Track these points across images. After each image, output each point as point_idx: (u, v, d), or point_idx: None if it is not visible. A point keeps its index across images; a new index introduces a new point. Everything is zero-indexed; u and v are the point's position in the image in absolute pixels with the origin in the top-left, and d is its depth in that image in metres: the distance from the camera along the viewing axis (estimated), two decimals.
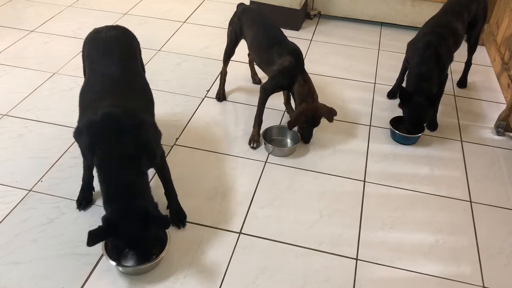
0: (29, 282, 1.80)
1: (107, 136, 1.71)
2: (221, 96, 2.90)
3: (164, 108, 2.79)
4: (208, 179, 2.32)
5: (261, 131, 2.57)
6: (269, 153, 2.51)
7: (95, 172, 1.84)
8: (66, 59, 3.23)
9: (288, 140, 2.62)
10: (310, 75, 2.45)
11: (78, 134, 1.79)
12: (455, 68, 3.25)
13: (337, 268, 1.92)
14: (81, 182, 2.12)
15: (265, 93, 2.48)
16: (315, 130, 2.51)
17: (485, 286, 1.90)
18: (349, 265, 1.94)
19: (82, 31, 3.43)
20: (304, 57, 2.51)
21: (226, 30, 2.79)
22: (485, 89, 3.19)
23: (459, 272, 1.94)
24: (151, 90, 2.09)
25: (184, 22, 3.85)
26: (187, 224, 2.07)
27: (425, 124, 2.66)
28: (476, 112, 2.95)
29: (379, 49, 3.60)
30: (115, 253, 1.87)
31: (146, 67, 2.36)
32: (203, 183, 2.30)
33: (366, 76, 3.25)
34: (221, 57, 2.84)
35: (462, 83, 3.19)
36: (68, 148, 2.44)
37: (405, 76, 2.81)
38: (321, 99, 2.45)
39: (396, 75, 2.99)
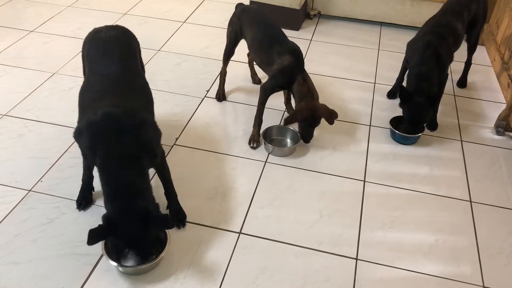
0: (29, 282, 1.80)
1: (107, 136, 1.71)
2: (221, 96, 2.90)
3: (164, 108, 2.79)
4: (208, 179, 2.32)
5: (261, 131, 2.57)
6: (269, 153, 2.51)
7: (95, 172, 1.85)
8: (65, 59, 3.23)
9: (288, 140, 2.62)
10: (310, 75, 2.45)
11: (78, 134, 1.79)
12: (455, 68, 3.25)
13: (337, 268, 1.92)
14: (80, 182, 2.12)
15: (265, 93, 2.48)
16: (315, 130, 2.51)
17: (485, 286, 1.90)
18: (349, 265, 1.94)
19: (82, 31, 3.43)
20: (304, 57, 2.51)
21: (226, 30, 2.79)
22: (485, 88, 3.19)
23: (459, 272, 1.94)
24: (151, 90, 2.08)
25: (184, 22, 3.85)
26: (187, 224, 2.07)
27: (425, 124, 2.66)
28: (476, 112, 2.95)
29: (379, 49, 3.60)
30: (115, 253, 1.87)
31: (146, 67, 2.36)
32: (203, 183, 2.30)
33: (366, 76, 3.25)
34: (221, 57, 2.84)
35: (462, 83, 3.19)
36: (68, 148, 2.44)
37: (405, 76, 2.81)
38: (321, 99, 2.45)
39: (396, 75, 2.99)
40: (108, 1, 4.09)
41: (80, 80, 2.11)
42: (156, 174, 2.04)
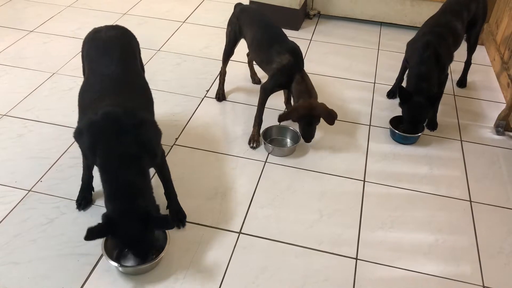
0: (29, 282, 1.80)
1: (107, 136, 1.71)
2: (220, 96, 2.90)
3: (164, 108, 2.79)
4: (208, 179, 2.32)
5: (261, 131, 2.57)
6: (269, 153, 2.51)
7: (94, 172, 1.84)
8: (65, 59, 3.23)
9: (288, 140, 2.62)
10: (309, 75, 2.45)
11: (79, 135, 1.79)
12: (455, 67, 3.25)
13: (337, 268, 1.92)
14: (80, 182, 2.11)
15: (265, 92, 2.48)
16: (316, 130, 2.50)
17: (485, 285, 1.90)
18: (349, 265, 1.94)
19: (82, 31, 3.43)
20: (303, 57, 2.51)
21: (225, 30, 2.78)
22: (485, 88, 3.19)
23: (459, 271, 1.94)
24: (151, 90, 2.08)
25: (183, 22, 3.85)
26: (187, 224, 2.06)
27: (425, 124, 2.66)
28: (476, 111, 2.95)
29: (378, 49, 3.60)
30: (115, 253, 1.87)
31: (145, 67, 2.36)
32: (203, 183, 2.30)
33: (365, 76, 3.25)
34: (221, 57, 2.84)
35: (462, 82, 3.19)
36: (68, 148, 2.44)
37: (404, 76, 2.81)
38: (320, 99, 2.45)
39: (395, 74, 2.99)
40: (108, 1, 4.09)
41: (80, 80, 2.11)
42: (156, 174, 2.04)
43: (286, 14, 3.67)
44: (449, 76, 2.94)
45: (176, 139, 2.57)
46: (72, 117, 2.61)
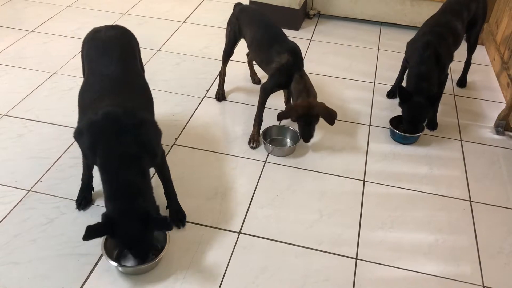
0: (29, 282, 1.80)
1: (107, 136, 1.71)
2: (220, 96, 2.90)
3: (164, 108, 2.79)
4: (208, 179, 2.32)
5: (261, 131, 2.57)
6: (268, 153, 2.51)
7: (94, 172, 1.84)
8: (65, 59, 3.23)
9: (288, 140, 2.62)
10: (309, 74, 2.45)
11: (79, 135, 1.79)
12: (455, 67, 3.25)
13: (337, 268, 1.92)
14: (80, 182, 2.11)
15: (265, 92, 2.48)
16: (316, 130, 2.50)
17: (485, 285, 1.90)
18: (349, 265, 1.94)
19: (82, 31, 3.42)
20: (303, 57, 2.51)
21: (225, 30, 2.79)
22: (485, 88, 3.19)
23: (459, 271, 1.94)
24: (151, 90, 2.08)
25: (183, 22, 3.85)
26: (186, 224, 2.06)
27: (425, 124, 2.66)
28: (476, 111, 2.95)
29: (378, 49, 3.60)
30: (115, 253, 1.87)
31: (145, 67, 2.36)
32: (203, 183, 2.30)
33: (365, 76, 3.25)
34: (221, 57, 2.84)
35: (462, 82, 3.19)
36: (68, 148, 2.44)
37: (404, 76, 2.81)
38: (320, 99, 2.44)
39: (395, 74, 2.99)
40: (108, 1, 4.09)
41: (79, 80, 2.11)
42: (156, 174, 2.04)
43: (286, 14, 3.67)
44: (449, 76, 2.94)
45: (176, 139, 2.57)
46: (72, 117, 2.61)
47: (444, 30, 2.63)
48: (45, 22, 3.71)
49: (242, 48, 2.81)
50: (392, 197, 2.29)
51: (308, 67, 2.55)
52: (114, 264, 1.80)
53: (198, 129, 2.66)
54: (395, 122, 2.66)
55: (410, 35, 2.87)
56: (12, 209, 2.09)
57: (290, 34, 2.78)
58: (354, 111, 2.88)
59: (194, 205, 2.16)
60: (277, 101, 2.81)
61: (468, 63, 3.16)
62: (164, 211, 2.06)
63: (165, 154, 2.33)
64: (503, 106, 2.83)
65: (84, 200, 2.11)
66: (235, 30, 2.67)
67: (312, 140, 2.51)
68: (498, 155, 2.60)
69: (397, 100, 2.69)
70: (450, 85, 3.15)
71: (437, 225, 2.14)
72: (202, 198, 2.21)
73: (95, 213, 2.07)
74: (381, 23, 3.95)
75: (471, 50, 3.08)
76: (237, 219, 2.11)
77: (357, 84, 3.16)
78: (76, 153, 2.33)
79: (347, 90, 3.07)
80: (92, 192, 2.15)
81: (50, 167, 2.32)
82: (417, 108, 2.52)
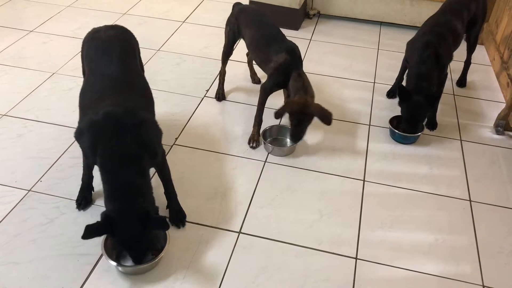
0: (29, 282, 1.80)
1: (108, 136, 1.72)
2: (220, 95, 2.90)
3: (164, 108, 2.79)
4: (208, 179, 2.32)
5: (261, 131, 2.57)
6: (268, 153, 2.51)
7: (94, 172, 1.84)
8: (65, 59, 3.23)
9: (288, 140, 2.62)
10: (309, 74, 2.45)
11: (79, 135, 1.79)
12: (455, 67, 3.26)
13: (337, 268, 1.92)
14: (80, 182, 2.12)
15: (265, 92, 2.48)
16: (314, 129, 2.50)
17: (485, 285, 1.90)
18: (348, 265, 1.94)
19: (82, 31, 3.42)
20: (303, 57, 2.51)
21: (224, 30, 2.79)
22: (485, 88, 3.19)
23: (458, 271, 1.94)
24: (151, 89, 2.08)
25: (183, 22, 3.85)
26: (186, 223, 2.07)
27: (424, 123, 2.67)
28: (476, 111, 2.96)
29: (378, 49, 3.60)
30: (115, 253, 1.87)
31: (145, 67, 2.36)
32: (203, 183, 2.30)
33: (365, 76, 3.25)
34: (220, 57, 2.84)
35: (462, 82, 3.19)
36: (68, 148, 2.44)
37: (404, 76, 2.81)
38: (320, 99, 2.45)
39: (395, 74, 2.99)
40: (107, 1, 4.09)
41: (79, 80, 2.11)
42: (156, 174, 2.04)
43: (286, 14, 3.68)
44: (449, 76, 2.94)
45: (176, 139, 2.57)
46: (72, 117, 2.62)
47: (444, 30, 2.63)
48: (45, 22, 3.71)
49: (242, 48, 2.81)
50: (392, 197, 2.29)
51: (308, 67, 2.55)
52: (114, 264, 1.80)
53: (198, 129, 2.66)
54: (395, 122, 2.67)
55: (410, 35, 2.87)
56: (12, 209, 2.09)
57: (290, 34, 2.78)
58: (354, 111, 2.88)
59: (194, 205, 2.16)
60: (277, 101, 2.81)
61: (468, 63, 3.16)
62: (164, 211, 2.06)
63: (165, 154, 2.33)
64: (503, 105, 2.83)
65: (84, 200, 2.11)
66: (234, 30, 2.67)
67: (312, 140, 2.51)
68: (498, 155, 2.60)
69: (397, 100, 2.69)
70: (450, 85, 3.15)
71: (437, 225, 2.14)
72: (202, 198, 2.21)
73: (95, 213, 2.07)
74: (381, 23, 3.95)
75: (471, 50, 3.08)
76: (237, 219, 2.11)
77: (357, 84, 3.16)
78: (76, 153, 2.33)
79: (347, 90, 3.07)
80: (92, 192, 2.15)
81: (50, 167, 2.32)
82: (416, 108, 2.52)
